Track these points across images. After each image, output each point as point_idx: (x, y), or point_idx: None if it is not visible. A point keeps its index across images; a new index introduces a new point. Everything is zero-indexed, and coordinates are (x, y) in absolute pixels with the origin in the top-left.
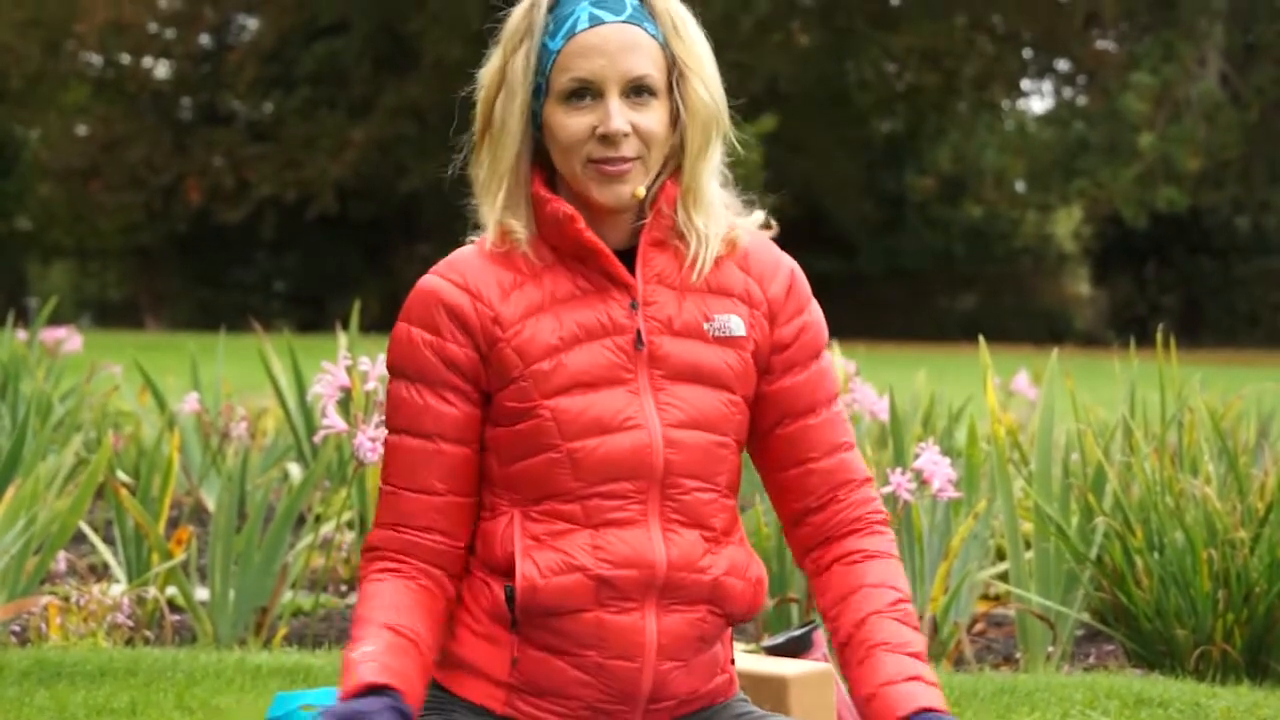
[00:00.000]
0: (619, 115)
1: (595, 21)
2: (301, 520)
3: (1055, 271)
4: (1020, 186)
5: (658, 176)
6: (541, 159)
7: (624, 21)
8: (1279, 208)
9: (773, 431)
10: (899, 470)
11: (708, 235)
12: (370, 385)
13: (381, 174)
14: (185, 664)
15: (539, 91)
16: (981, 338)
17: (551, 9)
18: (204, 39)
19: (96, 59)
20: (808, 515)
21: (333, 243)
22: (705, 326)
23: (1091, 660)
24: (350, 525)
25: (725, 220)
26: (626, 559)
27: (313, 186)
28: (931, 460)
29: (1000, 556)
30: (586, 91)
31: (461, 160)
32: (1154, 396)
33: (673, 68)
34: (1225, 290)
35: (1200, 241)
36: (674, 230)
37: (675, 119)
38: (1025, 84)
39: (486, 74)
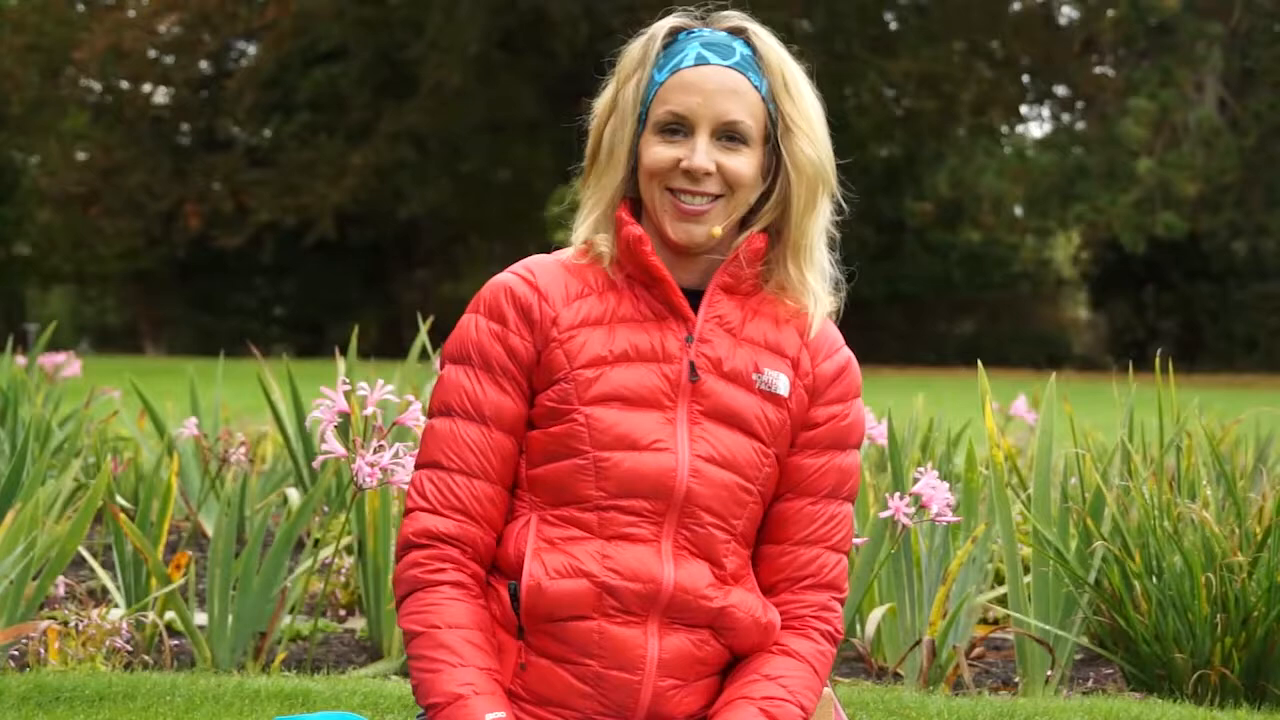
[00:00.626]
0: (704, 153)
1: (701, 61)
2: (300, 545)
3: (1054, 296)
4: (1018, 211)
5: (745, 226)
6: (631, 190)
7: (729, 67)
8: (1277, 232)
9: (772, 504)
10: (897, 495)
11: (819, 293)
12: (369, 410)
13: (380, 199)
14: (184, 688)
15: (641, 121)
16: (980, 362)
17: (667, 45)
18: (203, 65)
19: (96, 85)
20: (765, 594)
21: (331, 268)
22: (754, 377)
23: (1090, 684)
24: (349, 550)
25: (830, 284)
26: (633, 572)
27: (311, 212)
28: (930, 485)
29: (999, 580)
30: (680, 127)
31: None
32: (1152, 421)
33: (775, 121)
34: (1223, 315)
35: (1198, 266)
36: (755, 282)
37: (768, 172)
38: (1023, 109)
39: (601, 102)
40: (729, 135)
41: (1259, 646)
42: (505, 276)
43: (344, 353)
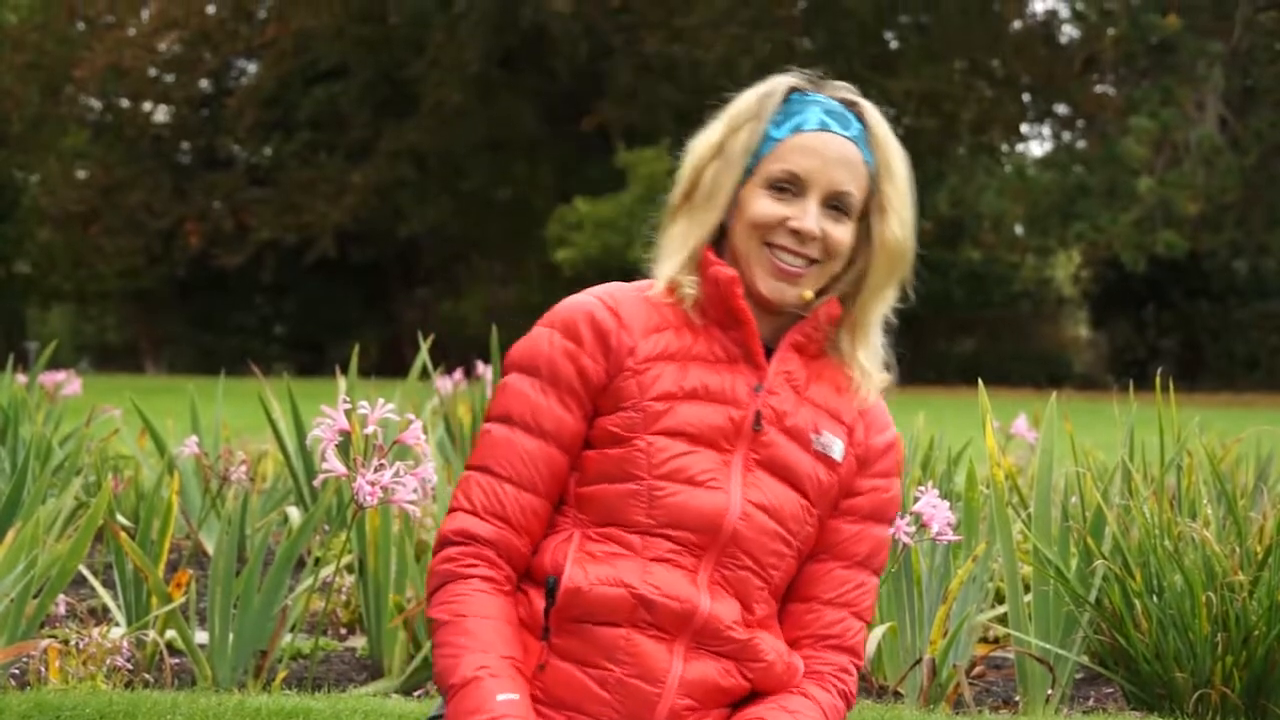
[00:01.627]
0: (814, 217)
1: (823, 127)
2: (301, 564)
3: (1054, 315)
4: (1019, 230)
5: (823, 291)
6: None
7: (848, 138)
8: (1277, 251)
9: (804, 563)
10: (898, 513)
11: (870, 371)
12: (370, 429)
13: (381, 218)
14: (185, 707)
15: (747, 171)
16: (980, 381)
17: (784, 102)
18: (203, 84)
19: (96, 103)
20: (789, 645)
21: (332, 287)
22: (812, 437)
23: (1091, 703)
24: (350, 569)
25: (881, 364)
26: (673, 592)
27: (312, 231)
28: (930, 503)
29: (999, 599)
30: (791, 186)
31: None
32: (1153, 439)
33: (872, 198)
34: (1224, 333)
35: (1199, 285)
36: (821, 346)
37: (856, 245)
38: (1024, 128)
39: (702, 144)
40: (836, 204)
41: (1260, 666)
42: (587, 299)
43: (345, 371)
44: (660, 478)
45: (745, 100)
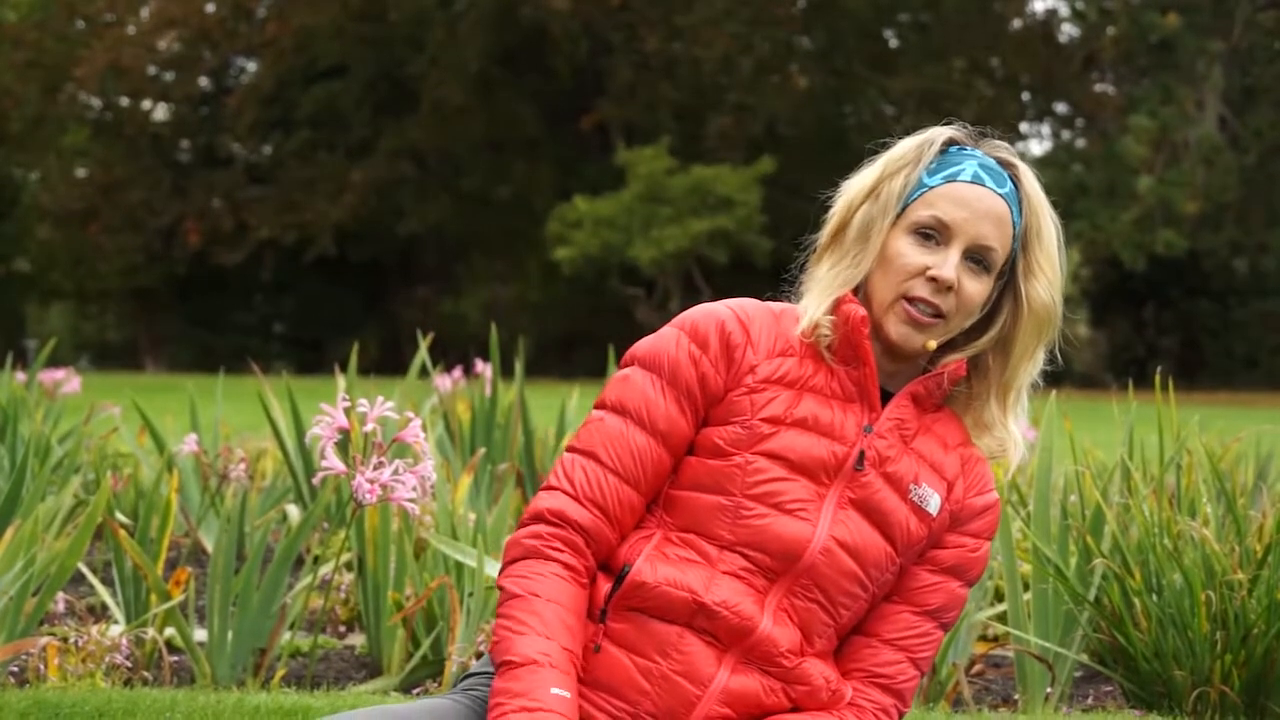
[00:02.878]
0: (953, 266)
1: (977, 180)
2: (300, 561)
3: None
4: None
5: (953, 348)
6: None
7: (1000, 195)
8: (1277, 250)
9: (877, 601)
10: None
11: (1018, 438)
12: (369, 427)
13: (380, 217)
14: (184, 705)
15: (895, 215)
16: None
17: (942, 151)
18: (203, 82)
19: (95, 102)
20: (841, 675)
21: (331, 285)
22: (910, 487)
23: (1090, 701)
24: (349, 566)
25: (1022, 425)
26: (735, 606)
27: (311, 229)
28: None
29: (999, 598)
30: (936, 234)
31: (801, 260)
32: (1152, 438)
33: (1015, 261)
34: (1223, 332)
35: (1198, 284)
36: (939, 400)
37: (986, 305)
38: (1024, 127)
39: (856, 186)
40: (977, 258)
41: (1259, 664)
42: (721, 309)
43: (344, 369)
44: (751, 498)
45: (904, 146)
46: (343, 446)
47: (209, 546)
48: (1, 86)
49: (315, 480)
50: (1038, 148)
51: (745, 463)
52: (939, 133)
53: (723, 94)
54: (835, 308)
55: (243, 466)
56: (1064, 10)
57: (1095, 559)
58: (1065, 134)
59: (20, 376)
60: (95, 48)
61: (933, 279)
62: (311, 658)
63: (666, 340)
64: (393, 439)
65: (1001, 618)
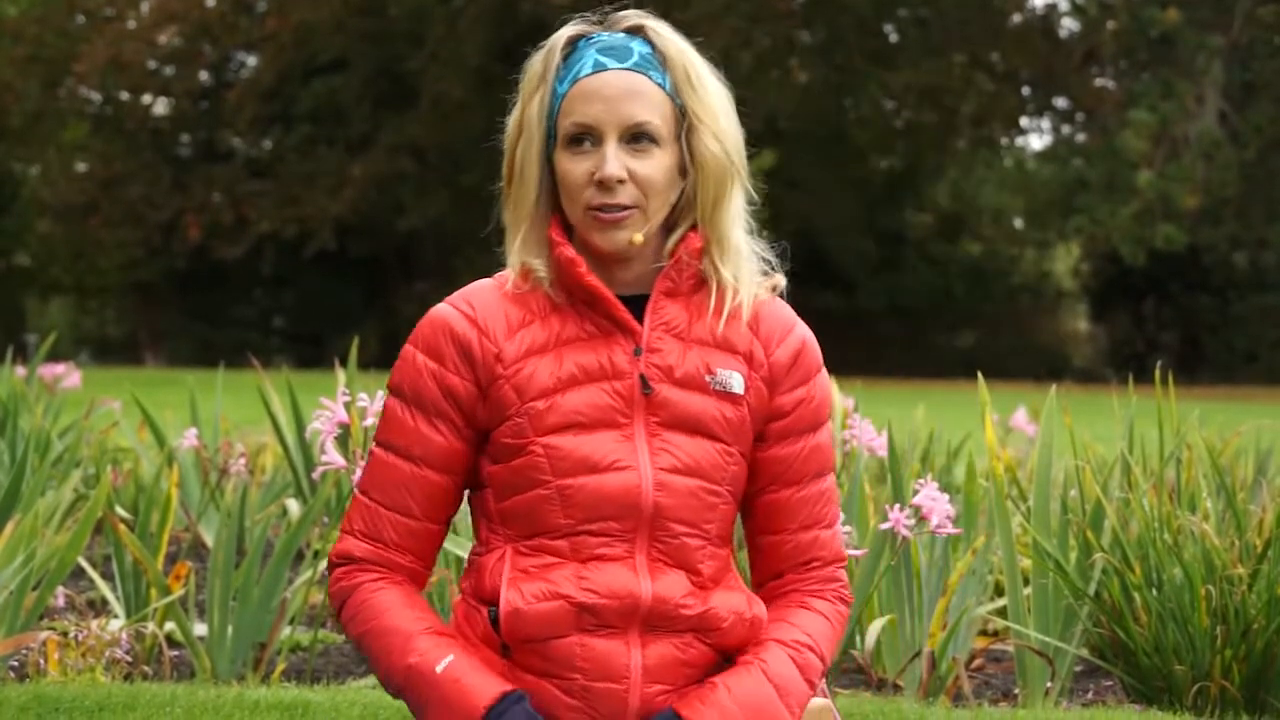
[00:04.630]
0: (615, 161)
1: (598, 67)
2: (300, 556)
3: (1054, 308)
4: (1019, 224)
5: (677, 226)
6: (556, 205)
7: (627, 69)
8: (1277, 245)
9: (758, 496)
10: (897, 506)
11: (736, 283)
12: (369, 421)
13: (380, 211)
14: (184, 699)
15: (551, 135)
16: (980, 374)
17: (566, 55)
18: (203, 76)
19: (96, 96)
20: (772, 579)
21: (331, 280)
22: (707, 379)
23: (1090, 696)
24: None
25: (757, 269)
26: (610, 590)
27: (311, 223)
28: (930, 496)
29: (999, 592)
30: (586, 137)
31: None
32: (1152, 433)
33: (682, 118)
34: (1223, 327)
35: (1198, 279)
36: (696, 280)
37: (685, 168)
38: (1024, 121)
39: (511, 121)
40: (636, 137)
41: (1259, 659)
42: (445, 311)
43: (344, 364)
44: (565, 475)
45: (532, 65)
46: (343, 441)
47: (209, 541)
48: (1, 81)
49: (315, 475)
50: (1037, 142)
51: (542, 447)
52: (558, 36)
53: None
54: (550, 250)
55: (243, 461)
56: (1064, 5)
57: (1095, 554)
58: (1065, 129)
59: (20, 371)
60: (95, 42)
61: (600, 181)
62: (311, 652)
63: (405, 362)
64: None
65: (1001, 612)
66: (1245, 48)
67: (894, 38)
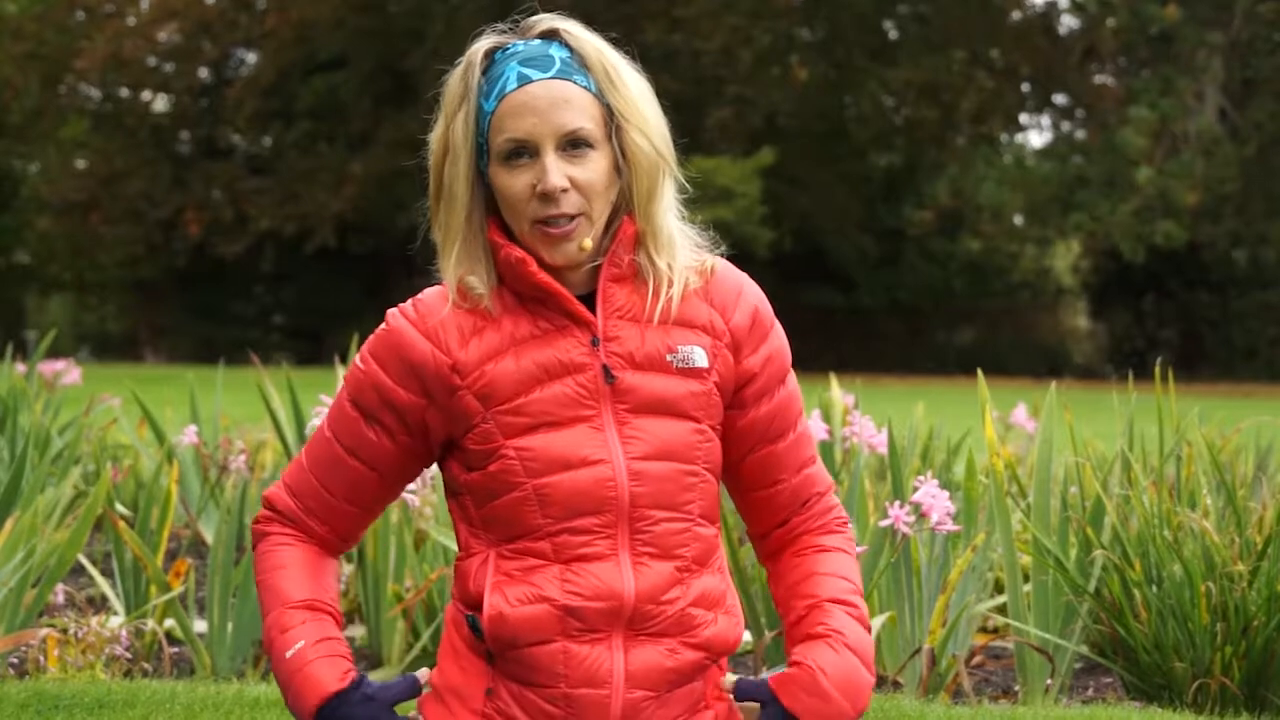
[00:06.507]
0: (555, 171)
1: (523, 80)
2: None
3: (1053, 305)
4: (1018, 220)
5: (614, 217)
6: (497, 210)
7: (552, 78)
8: (1276, 241)
9: (749, 456)
10: (897, 503)
11: (671, 274)
12: None
13: (380, 208)
14: (184, 696)
15: (482, 152)
16: (980, 371)
17: (485, 71)
18: (203, 73)
19: (95, 93)
20: (774, 529)
21: (331, 277)
22: (668, 358)
23: (1090, 693)
24: (348, 558)
25: (690, 255)
26: (595, 591)
27: (311, 220)
28: (930, 493)
29: (998, 589)
30: (523, 150)
31: (425, 225)
32: (1152, 430)
33: (610, 117)
34: (1223, 324)
35: (1198, 275)
36: (635, 267)
37: (619, 165)
38: (1023, 118)
39: (434, 139)
40: (573, 144)
41: (1259, 656)
42: (398, 323)
43: (343, 360)
44: (539, 475)
45: (452, 83)
46: None
47: (209, 538)
48: (1, 78)
49: None
50: (1037, 139)
51: (514, 450)
52: (475, 51)
53: (723, 86)
54: (494, 255)
55: (243, 458)
56: (1064, 2)
57: (1095, 550)
58: (1065, 125)
59: (20, 368)
60: (95, 39)
61: (542, 194)
62: None
63: (358, 366)
64: None
65: (1001, 609)
66: (1245, 44)
67: (894, 35)
